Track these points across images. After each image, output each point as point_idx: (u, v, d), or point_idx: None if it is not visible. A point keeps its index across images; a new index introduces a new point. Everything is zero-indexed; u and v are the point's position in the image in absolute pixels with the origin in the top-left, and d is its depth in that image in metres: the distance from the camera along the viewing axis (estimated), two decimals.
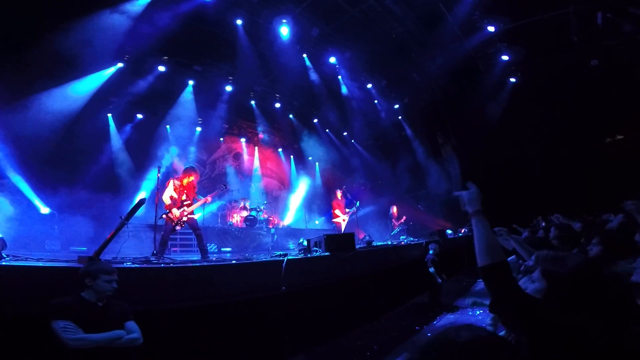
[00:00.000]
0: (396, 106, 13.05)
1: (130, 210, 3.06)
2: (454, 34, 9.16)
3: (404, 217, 10.56)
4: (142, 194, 9.46)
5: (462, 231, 11.15)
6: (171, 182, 5.20)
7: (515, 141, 10.85)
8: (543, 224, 6.02)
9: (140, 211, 3.80)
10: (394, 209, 10.74)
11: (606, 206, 5.15)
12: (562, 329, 1.18)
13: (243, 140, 13.26)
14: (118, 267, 3.10)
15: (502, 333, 2.12)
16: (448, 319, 5.98)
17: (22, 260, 3.00)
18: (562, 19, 8.29)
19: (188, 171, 5.30)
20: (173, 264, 3.66)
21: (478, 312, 5.96)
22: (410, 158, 13.84)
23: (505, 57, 10.05)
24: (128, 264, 3.25)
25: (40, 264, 2.91)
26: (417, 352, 0.82)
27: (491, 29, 8.96)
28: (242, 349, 3.72)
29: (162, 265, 3.43)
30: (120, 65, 8.77)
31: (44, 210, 7.33)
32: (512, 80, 10.99)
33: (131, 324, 2.49)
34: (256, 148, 13.57)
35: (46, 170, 7.39)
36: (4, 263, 2.77)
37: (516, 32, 9.01)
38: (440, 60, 10.44)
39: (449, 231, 10.28)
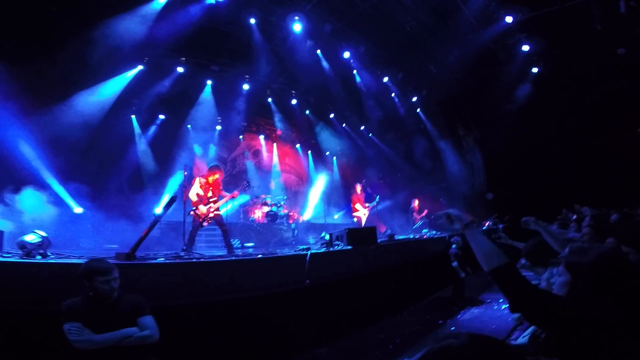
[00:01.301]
0: (414, 99, 12.85)
1: (164, 209, 3.19)
2: (470, 25, 8.94)
3: (426, 211, 10.44)
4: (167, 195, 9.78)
5: (486, 224, 10.94)
6: (197, 180, 5.38)
7: (539, 132, 10.48)
8: (574, 216, 5.77)
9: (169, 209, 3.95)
10: (415, 203, 10.63)
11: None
12: (584, 322, 1.17)
13: (262, 137, 13.43)
14: (152, 262, 3.27)
15: (528, 331, 2.11)
16: (472, 312, 5.89)
17: (64, 257, 3.20)
18: (582, 7, 8.00)
19: (213, 169, 5.46)
20: (203, 258, 3.80)
21: (504, 307, 5.78)
22: (431, 151, 13.63)
23: (525, 48, 9.77)
24: (161, 260, 3.40)
25: (82, 261, 3.10)
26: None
27: (509, 19, 8.70)
28: (268, 342, 3.80)
29: (193, 260, 3.58)
30: (140, 67, 9.05)
31: (77, 210, 7.69)
32: (535, 70, 10.64)
33: (145, 320, 2.34)
34: (274, 144, 13.71)
35: (77, 171, 7.71)
36: (50, 260, 2.96)
37: (536, 21, 8.74)
38: (458, 52, 10.23)
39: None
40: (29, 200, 6.01)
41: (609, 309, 1.19)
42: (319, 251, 4.60)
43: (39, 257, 3.01)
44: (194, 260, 3.57)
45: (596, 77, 9.62)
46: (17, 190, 5.83)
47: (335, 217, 13.08)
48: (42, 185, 6.93)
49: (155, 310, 2.49)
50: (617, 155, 9.63)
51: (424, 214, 10.41)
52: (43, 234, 3.15)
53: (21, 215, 5.22)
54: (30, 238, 3.04)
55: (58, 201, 7.23)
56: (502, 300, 5.60)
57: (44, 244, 3.10)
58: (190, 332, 3.27)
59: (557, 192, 9.56)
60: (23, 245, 2.98)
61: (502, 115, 11.28)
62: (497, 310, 5.74)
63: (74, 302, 2.28)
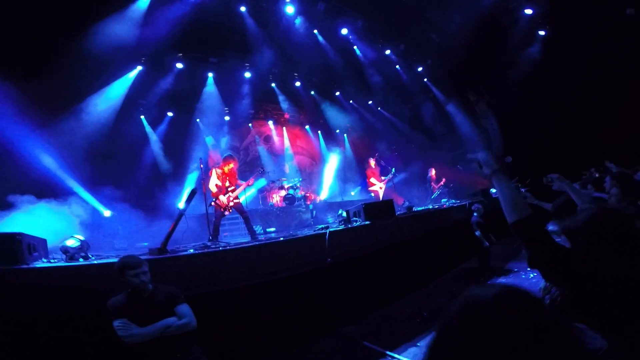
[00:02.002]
0: (420, 69, 12.53)
1: (186, 202, 3.36)
2: None
3: (444, 180, 10.37)
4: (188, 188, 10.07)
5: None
6: (214, 171, 5.56)
7: (552, 92, 10.11)
8: (597, 174, 5.50)
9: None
10: (432, 172, 10.56)
11: None
12: (598, 277, 1.17)
13: (270, 122, 13.48)
14: (183, 254, 3.49)
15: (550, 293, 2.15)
16: (500, 283, 5.85)
17: (104, 258, 3.45)
18: None
19: (227, 159, 5.61)
20: (229, 246, 4.00)
21: (532, 275, 5.63)
22: (443, 118, 13.36)
23: (528, 11, 9.53)
24: (191, 251, 3.61)
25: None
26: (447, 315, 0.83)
27: None
28: (297, 323, 3.92)
29: (220, 248, 3.78)
30: (139, 68, 9.15)
31: (107, 213, 8.06)
32: (542, 33, 10.30)
33: (182, 308, 2.46)
34: (284, 128, 13.76)
35: (99, 176, 7.97)
36: (92, 262, 3.20)
37: None
38: (459, 18, 9.86)
39: (493, 190, 9.99)
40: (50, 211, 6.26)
41: (614, 267, 1.20)
42: (338, 229, 4.72)
43: (81, 259, 3.26)
44: (221, 249, 3.77)
45: (607, 38, 9.18)
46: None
47: (352, 193, 13.18)
48: (70, 193, 7.27)
49: (190, 299, 2.62)
50: (633, 112, 9.27)
51: (442, 182, 10.34)
52: (81, 237, 3.40)
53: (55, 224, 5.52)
54: (70, 242, 3.29)
55: (86, 206, 7.60)
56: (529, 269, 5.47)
57: (84, 247, 3.35)
58: (222, 319, 3.45)
59: (576, 151, 9.31)
60: (66, 250, 3.23)
61: (513, 79, 10.94)
62: (525, 280, 5.61)
63: (117, 300, 2.44)
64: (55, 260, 3.27)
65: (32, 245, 3.07)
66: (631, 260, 1.23)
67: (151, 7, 7.70)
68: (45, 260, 3.27)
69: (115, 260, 2.76)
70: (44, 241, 3.36)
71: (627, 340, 0.98)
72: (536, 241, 1.30)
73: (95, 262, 3.18)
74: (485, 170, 1.48)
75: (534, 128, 10.63)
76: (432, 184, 10.36)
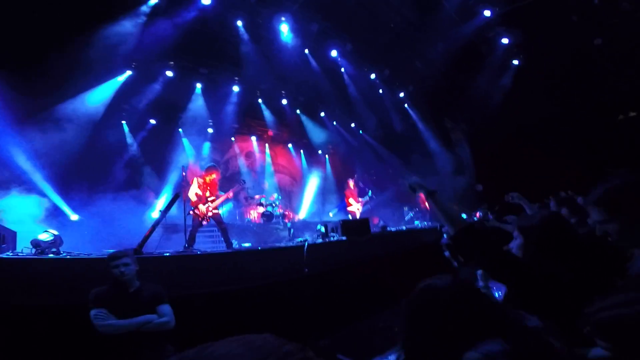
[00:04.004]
0: (401, 94, 13.16)
1: (167, 206, 3.38)
2: (451, 20, 9.26)
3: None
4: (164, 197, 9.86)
5: (477, 215, 11.28)
6: (195, 180, 5.55)
7: (523, 122, 10.86)
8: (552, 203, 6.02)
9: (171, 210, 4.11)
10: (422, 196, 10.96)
11: None
12: (535, 276, 1.35)
13: (254, 138, 13.56)
14: (159, 255, 3.45)
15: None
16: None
17: (75, 255, 3.35)
18: None
19: (210, 169, 5.63)
20: (206, 252, 3.98)
21: (497, 294, 6.01)
22: (419, 145, 13.94)
23: (505, 40, 10.15)
24: (167, 254, 3.58)
25: (91, 257, 3.26)
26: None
27: (487, 13, 9.06)
28: (270, 332, 3.93)
29: (197, 252, 3.76)
30: (129, 73, 9.12)
31: (74, 217, 7.74)
32: (515, 62, 11.04)
33: (163, 308, 2.54)
34: (267, 145, 13.86)
35: (71, 179, 7.76)
36: (64, 257, 3.11)
37: (513, 14, 9.09)
38: (441, 46, 10.52)
39: (464, 215, 10.42)
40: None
41: (557, 267, 1.40)
42: (316, 242, 4.81)
43: (51, 255, 3.16)
44: (199, 252, 3.76)
45: (576, 66, 10.00)
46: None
47: (331, 215, 13.26)
48: (40, 194, 6.97)
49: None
50: (599, 142, 10.01)
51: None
52: (55, 232, 3.30)
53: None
54: (44, 237, 3.19)
55: (55, 209, 7.29)
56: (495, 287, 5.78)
57: (57, 242, 3.26)
58: (196, 322, 3.42)
59: (544, 179, 9.91)
60: (37, 244, 3.13)
61: (488, 107, 11.61)
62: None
63: (100, 290, 2.47)
64: (23, 254, 3.15)
65: (2, 235, 2.96)
66: (563, 260, 1.43)
67: (153, 12, 7.82)
68: (10, 253, 3.15)
69: (86, 257, 2.75)
70: (14, 233, 3.24)
71: (557, 321, 1.17)
72: (478, 247, 1.45)
73: (66, 257, 3.10)
74: (420, 191, 1.63)
75: (505, 157, 11.26)
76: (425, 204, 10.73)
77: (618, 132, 10.00)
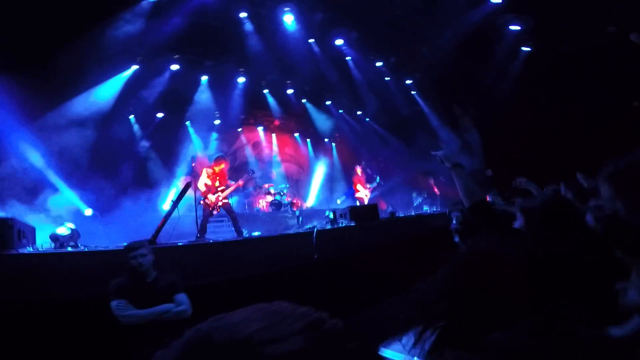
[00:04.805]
0: (408, 82, 12.98)
1: (178, 196, 3.45)
2: (459, 6, 9.03)
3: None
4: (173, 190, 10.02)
5: (488, 199, 11.29)
6: (204, 170, 5.65)
7: (533, 108, 10.64)
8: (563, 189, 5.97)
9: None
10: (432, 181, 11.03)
11: None
12: (540, 254, 1.33)
13: (260, 128, 13.61)
14: (171, 245, 3.55)
15: None
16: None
17: (93, 248, 3.47)
18: None
19: (219, 159, 5.71)
20: (216, 241, 4.07)
21: None
22: (428, 132, 13.80)
23: (514, 27, 9.90)
24: (179, 244, 3.68)
25: (109, 250, 3.38)
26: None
27: None
28: None
29: (209, 241, 3.85)
30: (135, 67, 9.16)
31: (87, 212, 7.92)
32: (526, 49, 10.76)
33: (180, 297, 2.57)
34: (274, 135, 13.91)
35: (83, 174, 7.91)
36: (83, 250, 3.23)
37: (523, 1, 8.84)
38: (449, 33, 10.29)
39: None
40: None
41: (560, 245, 1.39)
42: (325, 228, 4.87)
43: (69, 248, 3.29)
44: (211, 241, 3.85)
45: (589, 54, 9.72)
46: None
47: (338, 202, 13.32)
48: (55, 190, 7.17)
49: None
50: (612, 128, 9.78)
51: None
52: (72, 226, 3.42)
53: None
54: (61, 231, 3.31)
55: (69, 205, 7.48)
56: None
57: (74, 235, 3.38)
58: (205, 312, 3.52)
59: (553, 165, 9.77)
60: (55, 238, 3.25)
61: (497, 94, 11.42)
62: None
63: (119, 282, 2.54)
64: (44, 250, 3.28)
65: (22, 231, 3.09)
66: (566, 239, 1.44)
67: (156, 6, 7.77)
68: (30, 248, 3.28)
69: (104, 250, 2.84)
70: (33, 229, 3.37)
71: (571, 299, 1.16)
72: (487, 218, 1.57)
73: (84, 250, 3.22)
74: (447, 163, 1.77)
75: (515, 142, 11.10)
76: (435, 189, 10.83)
77: (632, 118, 9.73)
